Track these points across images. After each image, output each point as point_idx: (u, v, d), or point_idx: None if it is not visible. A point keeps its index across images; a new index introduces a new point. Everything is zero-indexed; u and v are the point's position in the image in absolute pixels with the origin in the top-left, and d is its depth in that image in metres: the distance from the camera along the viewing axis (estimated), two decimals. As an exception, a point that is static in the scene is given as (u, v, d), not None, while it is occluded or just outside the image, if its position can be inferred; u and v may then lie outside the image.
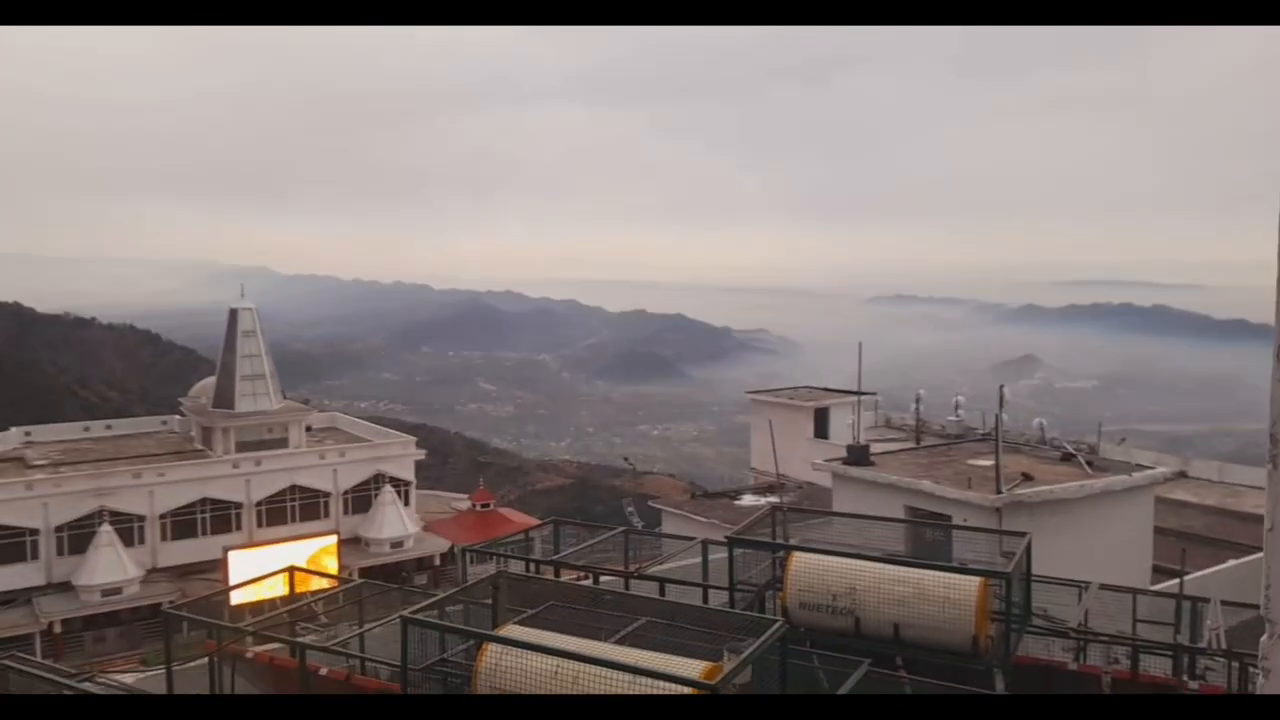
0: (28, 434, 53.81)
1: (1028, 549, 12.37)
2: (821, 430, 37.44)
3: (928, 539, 16.72)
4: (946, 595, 11.47)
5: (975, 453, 21.98)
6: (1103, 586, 14.25)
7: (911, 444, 27.43)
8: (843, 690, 9.71)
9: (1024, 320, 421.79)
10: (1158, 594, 14.90)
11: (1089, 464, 20.19)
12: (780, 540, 14.07)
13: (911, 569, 12.00)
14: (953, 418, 35.33)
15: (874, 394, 39.62)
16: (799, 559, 12.44)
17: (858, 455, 20.98)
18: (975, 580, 11.55)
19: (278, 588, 15.66)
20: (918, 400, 35.59)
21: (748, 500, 32.33)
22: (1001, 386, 20.00)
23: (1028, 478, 18.55)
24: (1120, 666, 12.32)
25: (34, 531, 43.00)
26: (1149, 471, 19.64)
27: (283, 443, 51.50)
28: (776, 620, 10.32)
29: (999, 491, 17.46)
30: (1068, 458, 21.05)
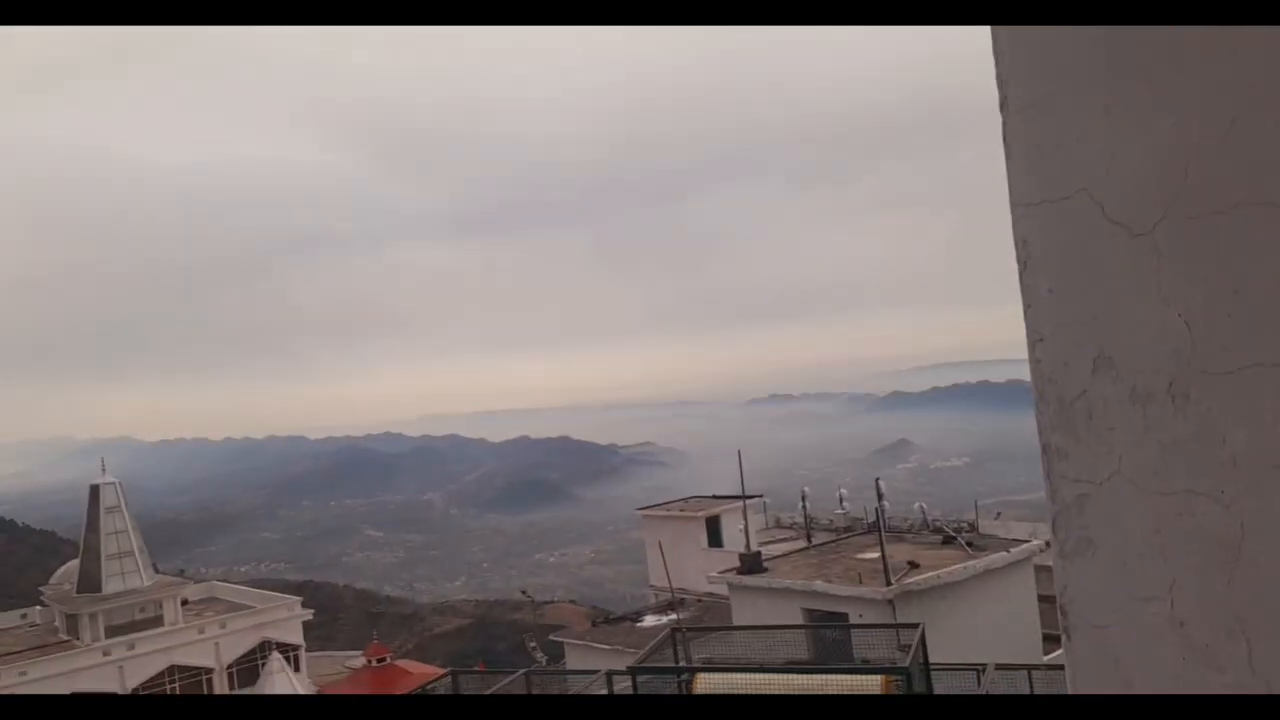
0: None
1: (922, 639, 12.66)
2: (715, 539, 37.58)
3: (829, 639, 16.90)
4: (851, 698, 11.62)
5: (863, 545, 22.47)
6: (998, 666, 14.65)
7: (802, 543, 27.84)
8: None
9: (893, 407, 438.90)
10: (1049, 667, 15.38)
11: (969, 544, 20.92)
12: (683, 662, 13.99)
13: (814, 675, 12.13)
14: (839, 511, 36.11)
15: (760, 496, 40.18)
16: (704, 680, 12.40)
17: (750, 563, 21.17)
18: (877, 678, 11.73)
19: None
20: (804, 497, 36.24)
21: (649, 621, 31.96)
22: (878, 480, 20.69)
23: (914, 565, 19.06)
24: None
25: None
26: (1025, 545, 20.48)
27: (158, 621, 48.30)
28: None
29: (888, 584, 17.88)
30: (949, 540, 21.77)
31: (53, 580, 53.09)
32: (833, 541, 25.34)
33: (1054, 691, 14.60)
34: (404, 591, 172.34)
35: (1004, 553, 19.75)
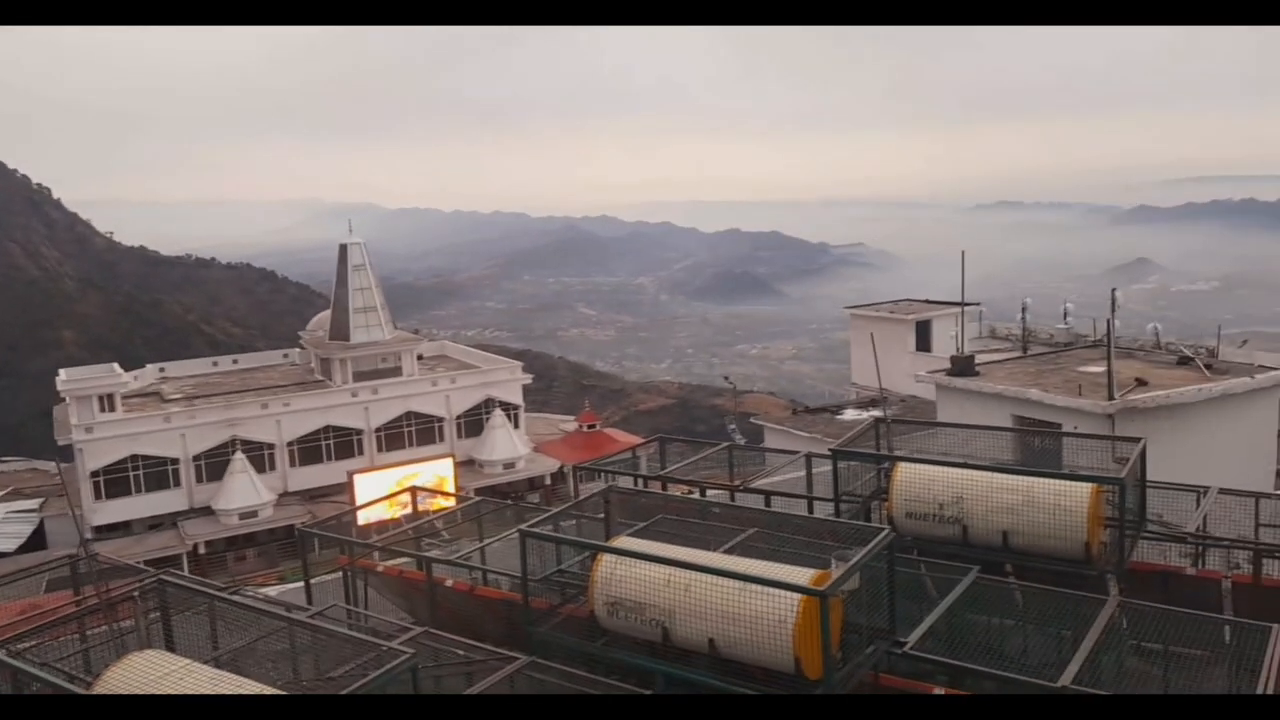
0: (162, 370, 57.21)
1: (1142, 454, 12.17)
2: (923, 343, 36.94)
3: (1036, 448, 16.52)
4: (1057, 502, 11.41)
5: (1085, 360, 21.46)
6: (1222, 491, 13.93)
7: (1018, 354, 26.85)
8: (951, 595, 9.91)
9: (1137, 222, 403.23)
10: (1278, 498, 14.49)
11: (1207, 367, 19.52)
12: (885, 452, 14.14)
13: (1020, 477, 11.96)
14: (1061, 325, 34.27)
15: (978, 304, 38.70)
16: (904, 469, 12.50)
17: (962, 366, 20.72)
18: (1087, 486, 11.44)
19: (400, 507, 16.58)
20: (1024, 309, 34.60)
21: (849, 415, 32.33)
22: (1114, 290, 19.43)
23: (1141, 383, 18.06)
24: (1242, 571, 12.13)
25: (175, 461, 46.01)
26: (1273, 373, 18.88)
27: (397, 371, 53.49)
28: (881, 528, 10.52)
29: (1111, 398, 17.09)
30: (1184, 361, 20.38)
31: (309, 327, 59.38)
32: (1052, 353, 24.32)
33: (1278, 520, 13.83)
34: (613, 368, 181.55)
35: (1246, 378, 18.33)
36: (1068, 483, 11.57)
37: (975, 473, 12.18)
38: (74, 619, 10.39)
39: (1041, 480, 11.73)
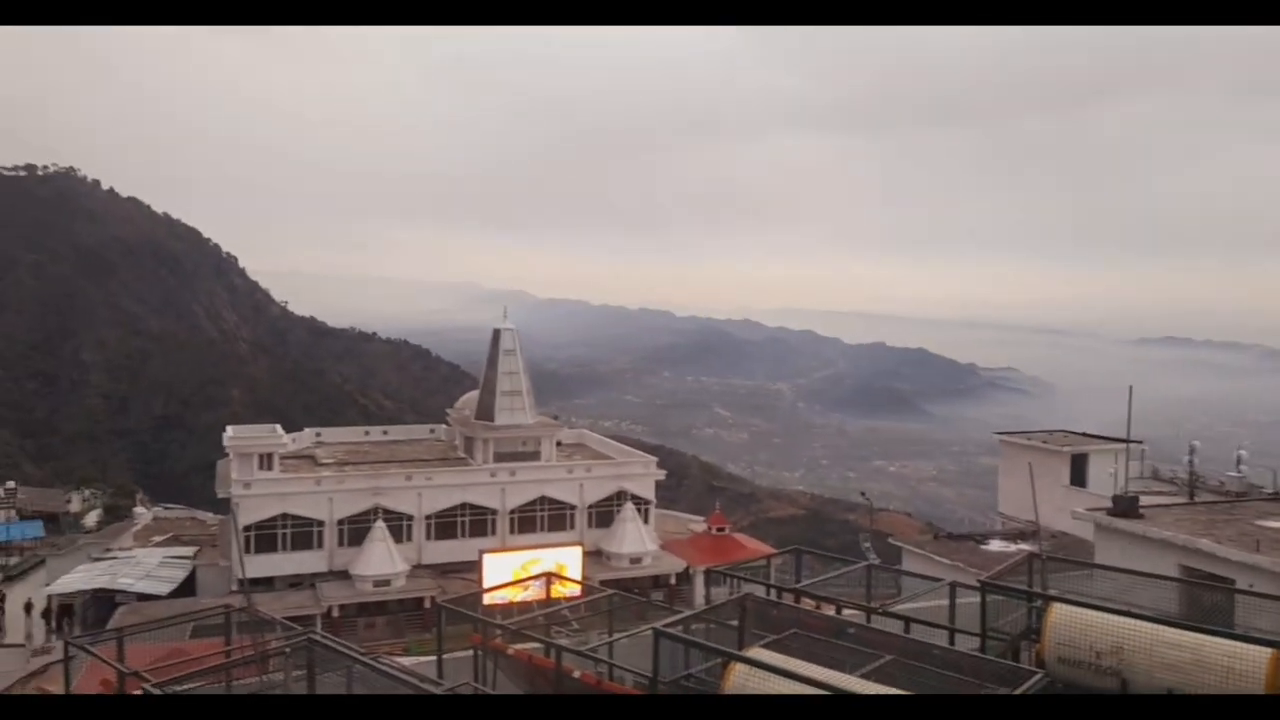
0: (318, 434, 60.18)
1: (1330, 624, 11.18)
2: (1078, 478, 35.22)
3: (1205, 604, 15.39)
4: (1230, 665, 10.58)
5: (1263, 513, 19.98)
6: None
7: (1184, 499, 25.21)
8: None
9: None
10: None
11: None
12: (1038, 589, 13.46)
13: (1189, 633, 11.16)
14: (1233, 473, 32.06)
15: (1140, 442, 36.72)
16: (1060, 611, 11.86)
17: (1126, 506, 19.61)
18: (1267, 651, 10.58)
19: (531, 590, 16.75)
20: (1191, 451, 32.60)
21: (995, 546, 30.90)
22: (1300, 442, 18.11)
23: (1329, 545, 16.65)
24: None
25: (320, 523, 47.91)
26: None
27: (535, 455, 54.47)
28: (1035, 672, 9.94)
29: (1294, 558, 15.80)
30: (1380, 526, 18.68)
31: (456, 405, 61.45)
32: (1224, 502, 22.74)
33: None
34: (745, 472, 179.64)
35: None
36: (1245, 645, 10.72)
37: (1139, 623, 11.45)
38: (226, 668, 10.91)
39: (1214, 639, 10.93)
